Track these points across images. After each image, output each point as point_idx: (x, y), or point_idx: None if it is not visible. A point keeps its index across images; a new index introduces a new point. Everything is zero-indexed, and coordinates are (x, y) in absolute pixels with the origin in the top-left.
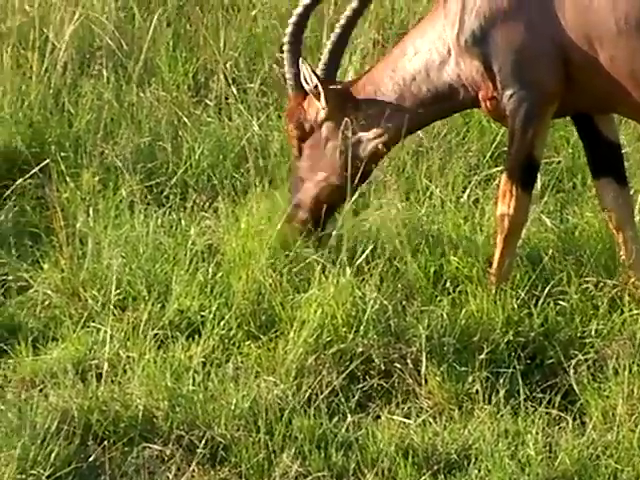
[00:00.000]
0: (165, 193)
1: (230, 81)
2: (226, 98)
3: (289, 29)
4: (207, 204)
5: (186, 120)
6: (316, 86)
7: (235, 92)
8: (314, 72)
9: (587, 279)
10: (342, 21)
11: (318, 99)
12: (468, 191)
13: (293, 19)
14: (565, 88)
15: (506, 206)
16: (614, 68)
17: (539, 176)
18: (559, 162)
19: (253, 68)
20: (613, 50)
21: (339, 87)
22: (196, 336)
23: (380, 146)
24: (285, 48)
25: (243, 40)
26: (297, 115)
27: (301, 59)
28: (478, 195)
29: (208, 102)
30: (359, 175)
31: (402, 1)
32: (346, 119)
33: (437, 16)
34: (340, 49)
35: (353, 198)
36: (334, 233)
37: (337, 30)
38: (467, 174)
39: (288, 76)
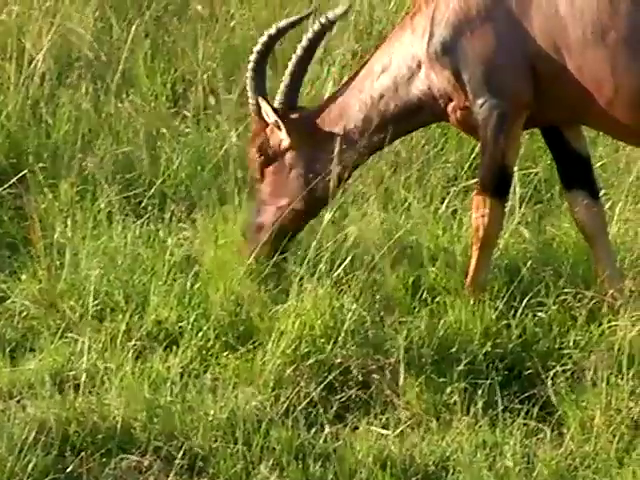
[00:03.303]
0: (143, 204)
1: (208, 92)
2: (204, 109)
3: (253, 57)
4: (185, 215)
5: (164, 131)
6: (276, 121)
7: (213, 103)
8: (273, 108)
9: (565, 290)
10: (299, 50)
11: (280, 130)
12: (446, 202)
13: (258, 47)
14: (534, 97)
15: (480, 216)
16: (581, 77)
17: (517, 187)
18: (537, 173)
19: (231, 79)
20: (580, 59)
21: (302, 115)
22: (174, 347)
23: (345, 169)
24: (249, 74)
25: (221, 51)
26: (260, 140)
27: (260, 97)
28: (456, 206)
29: (186, 113)
30: (323, 198)
31: (381, 12)
32: (314, 146)
33: (403, 33)
34: (299, 76)
35: (332, 211)
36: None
37: (295, 58)
38: (445, 185)
39: (251, 101)
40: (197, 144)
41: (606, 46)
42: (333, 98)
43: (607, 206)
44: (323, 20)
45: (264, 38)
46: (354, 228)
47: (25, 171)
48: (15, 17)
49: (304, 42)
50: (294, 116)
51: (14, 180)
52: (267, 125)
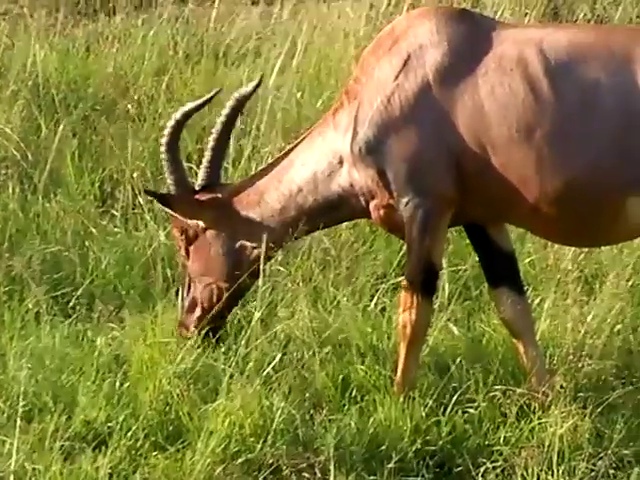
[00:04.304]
0: (71, 303)
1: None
2: (132, 208)
3: (165, 139)
4: (114, 314)
5: (93, 230)
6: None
7: (142, 202)
8: (174, 196)
9: (495, 387)
10: (217, 125)
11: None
12: (375, 300)
13: (167, 130)
14: (461, 195)
15: (408, 313)
16: (506, 174)
17: (446, 284)
18: (465, 270)
19: (160, 178)
20: (505, 156)
21: (218, 197)
22: (103, 447)
23: (261, 254)
24: (163, 157)
25: (149, 150)
26: (181, 220)
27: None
28: (385, 304)
29: (114, 212)
30: (244, 280)
31: (309, 110)
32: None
33: (325, 129)
34: (220, 152)
35: (262, 308)
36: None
37: (214, 134)
38: (374, 283)
39: (169, 182)
40: (125, 243)
41: (531, 143)
42: (252, 181)
43: (536, 302)
44: (237, 95)
45: (172, 122)
46: (283, 326)
47: None
48: None
49: (222, 117)
50: (211, 197)
51: None
52: None
